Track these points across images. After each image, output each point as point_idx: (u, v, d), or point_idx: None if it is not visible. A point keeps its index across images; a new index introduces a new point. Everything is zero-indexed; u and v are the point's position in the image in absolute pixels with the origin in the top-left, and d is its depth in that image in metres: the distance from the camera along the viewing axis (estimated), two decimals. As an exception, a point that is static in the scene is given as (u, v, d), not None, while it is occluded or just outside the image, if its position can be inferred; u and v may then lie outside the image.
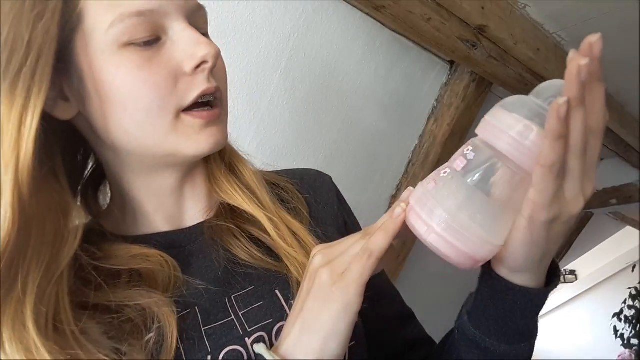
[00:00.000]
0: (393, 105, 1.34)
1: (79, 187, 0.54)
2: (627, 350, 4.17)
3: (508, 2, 1.21)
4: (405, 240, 0.47)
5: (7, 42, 0.37)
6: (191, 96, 0.44)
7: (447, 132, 1.39)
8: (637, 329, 4.00)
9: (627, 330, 4.11)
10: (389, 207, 0.64)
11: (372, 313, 0.48)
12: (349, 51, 1.18)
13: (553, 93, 0.36)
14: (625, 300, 4.13)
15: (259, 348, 0.40)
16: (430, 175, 0.40)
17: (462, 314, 0.47)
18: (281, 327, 0.47)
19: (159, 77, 0.42)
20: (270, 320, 0.48)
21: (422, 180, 0.41)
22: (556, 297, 5.09)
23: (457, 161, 0.38)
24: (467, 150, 0.38)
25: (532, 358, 0.46)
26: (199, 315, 0.47)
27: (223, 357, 0.44)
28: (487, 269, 0.42)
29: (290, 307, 0.49)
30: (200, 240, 0.52)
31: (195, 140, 0.46)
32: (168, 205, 0.52)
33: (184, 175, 0.52)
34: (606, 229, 3.78)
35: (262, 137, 1.11)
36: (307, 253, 0.50)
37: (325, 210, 0.60)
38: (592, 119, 0.33)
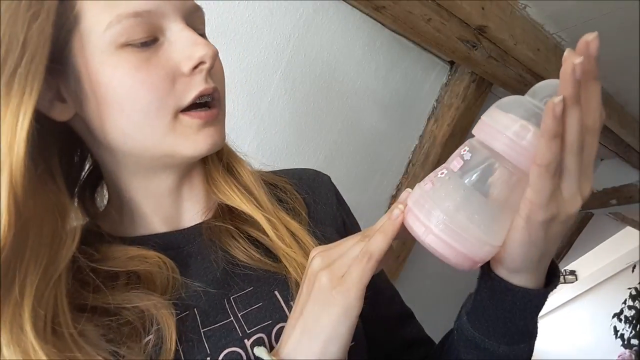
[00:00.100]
0: (393, 105, 1.34)
1: (76, 189, 0.54)
2: (627, 351, 4.17)
3: (508, 3, 1.21)
4: (405, 241, 0.47)
5: (2, 43, 0.37)
6: (189, 97, 0.44)
7: (447, 132, 1.39)
8: (637, 329, 4.00)
9: (627, 331, 4.11)
10: (389, 207, 0.64)
11: (372, 313, 0.48)
12: (349, 51, 1.18)
13: (549, 92, 0.36)
14: (625, 300, 4.13)
15: (260, 351, 0.40)
16: (428, 176, 0.40)
17: (461, 315, 0.47)
18: (281, 329, 0.47)
19: (156, 77, 0.42)
20: (270, 321, 0.47)
21: (421, 180, 0.41)
22: (556, 297, 5.09)
23: (454, 162, 0.38)
24: (464, 150, 0.38)
25: (532, 358, 0.46)
26: (198, 317, 0.46)
27: (222, 359, 0.44)
28: (486, 270, 0.42)
29: (289, 308, 0.48)
30: (199, 241, 0.52)
31: (193, 140, 0.45)
32: (166, 207, 0.52)
33: (181, 176, 0.51)
34: (606, 229, 3.78)
35: (262, 138, 1.10)
36: (306, 253, 0.50)
37: (323, 210, 0.60)
38: (588, 117, 0.33)
